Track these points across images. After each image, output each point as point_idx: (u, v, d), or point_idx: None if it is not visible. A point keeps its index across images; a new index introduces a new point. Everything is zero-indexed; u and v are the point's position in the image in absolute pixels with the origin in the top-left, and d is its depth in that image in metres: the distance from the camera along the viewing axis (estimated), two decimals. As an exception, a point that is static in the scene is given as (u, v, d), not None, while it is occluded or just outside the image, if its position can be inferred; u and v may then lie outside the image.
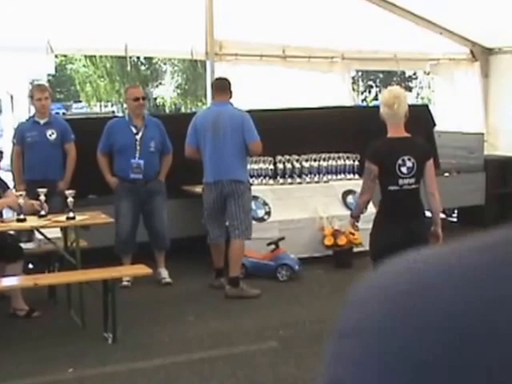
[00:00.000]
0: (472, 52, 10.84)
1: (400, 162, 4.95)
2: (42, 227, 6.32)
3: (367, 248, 5.46)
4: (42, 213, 6.31)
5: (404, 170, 4.96)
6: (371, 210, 5.49)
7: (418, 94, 29.29)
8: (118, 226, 7.25)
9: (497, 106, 10.85)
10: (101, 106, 31.94)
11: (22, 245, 6.66)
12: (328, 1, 9.36)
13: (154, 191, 7.35)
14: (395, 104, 4.95)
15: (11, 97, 15.42)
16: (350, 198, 8.34)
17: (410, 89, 28.66)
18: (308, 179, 8.50)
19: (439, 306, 0.54)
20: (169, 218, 7.52)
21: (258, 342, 5.78)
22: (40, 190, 6.36)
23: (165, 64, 30.90)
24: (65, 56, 27.91)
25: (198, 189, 7.52)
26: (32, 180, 7.12)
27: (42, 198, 6.34)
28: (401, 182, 4.97)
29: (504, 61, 10.67)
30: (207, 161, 7.02)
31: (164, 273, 7.49)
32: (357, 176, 8.33)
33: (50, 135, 7.36)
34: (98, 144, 7.39)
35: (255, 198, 7.83)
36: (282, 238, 7.71)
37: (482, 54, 10.83)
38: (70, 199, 6.29)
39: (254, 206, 7.77)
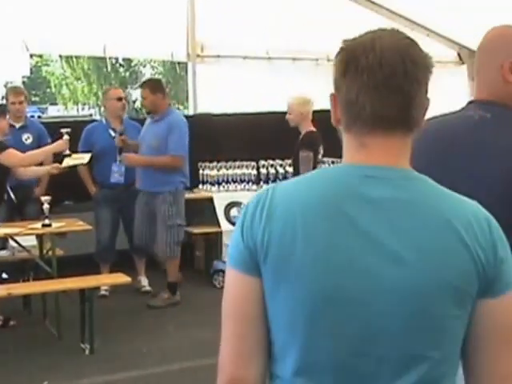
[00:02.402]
0: (459, 55, 10.80)
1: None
2: (16, 234, 6.13)
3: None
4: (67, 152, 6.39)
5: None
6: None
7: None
8: (99, 233, 7.10)
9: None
10: (78, 108, 31.64)
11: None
12: (313, 2, 9.24)
13: (135, 196, 7.17)
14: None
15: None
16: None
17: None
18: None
19: None
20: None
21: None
22: (63, 130, 6.30)
23: (144, 66, 30.70)
24: (40, 57, 27.63)
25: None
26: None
27: (66, 137, 6.27)
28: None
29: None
30: (187, 168, 7.01)
31: (144, 281, 7.36)
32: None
33: (26, 139, 7.14)
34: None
35: (238, 203, 7.71)
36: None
37: (470, 57, 10.73)
38: (45, 205, 6.13)
39: (236, 212, 7.67)
